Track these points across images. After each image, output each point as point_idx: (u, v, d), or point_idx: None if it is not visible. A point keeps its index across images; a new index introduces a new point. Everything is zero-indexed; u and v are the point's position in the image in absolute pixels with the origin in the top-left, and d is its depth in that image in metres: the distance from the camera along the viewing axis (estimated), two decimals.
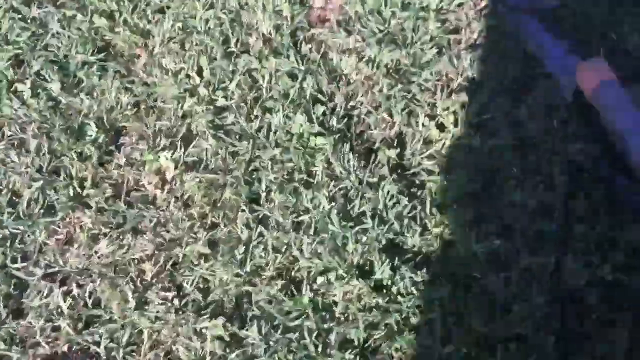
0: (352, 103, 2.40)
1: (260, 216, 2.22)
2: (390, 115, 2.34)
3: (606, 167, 2.07)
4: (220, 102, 2.44)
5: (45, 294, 2.12)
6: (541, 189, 2.13)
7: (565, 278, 1.97)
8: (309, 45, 2.52)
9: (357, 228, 2.12)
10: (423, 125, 2.31)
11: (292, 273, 2.13)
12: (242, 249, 2.15)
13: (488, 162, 2.21)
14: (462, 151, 2.23)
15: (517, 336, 1.90)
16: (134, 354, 2.06)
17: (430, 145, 2.28)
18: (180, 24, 2.58)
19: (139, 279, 2.16)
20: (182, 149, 2.35)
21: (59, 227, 2.24)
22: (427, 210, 2.13)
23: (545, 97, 2.30)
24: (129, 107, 2.47)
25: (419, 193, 2.19)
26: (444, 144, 2.27)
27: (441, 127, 2.31)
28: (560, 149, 2.19)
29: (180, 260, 2.18)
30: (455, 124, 2.29)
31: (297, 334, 1.99)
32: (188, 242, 2.19)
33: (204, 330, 2.04)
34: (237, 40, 2.55)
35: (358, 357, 1.93)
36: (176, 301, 2.11)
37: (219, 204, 2.25)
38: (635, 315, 1.90)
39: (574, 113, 2.22)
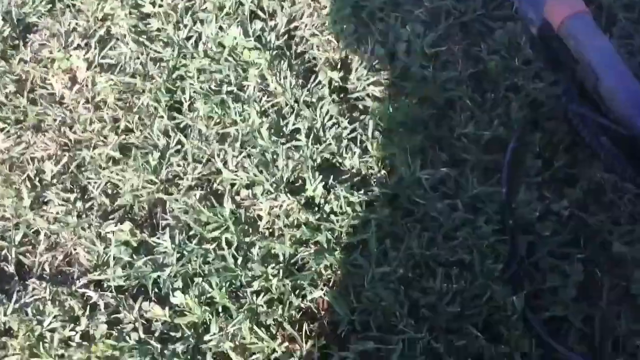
0: (295, 24, 2.40)
1: (181, 125, 2.20)
2: (337, 40, 2.34)
3: (570, 102, 2.11)
4: (147, 8, 2.43)
5: None
6: (497, 123, 2.15)
7: (517, 210, 1.98)
8: None
9: (289, 144, 2.12)
10: (372, 52, 2.31)
11: (214, 185, 2.10)
12: (157, 155, 2.11)
13: (440, 93, 2.22)
14: (413, 80, 2.24)
15: (460, 262, 1.90)
16: (28, 254, 2.00)
17: (378, 72, 2.29)
18: None
19: (38, 178, 2.11)
20: (98, 50, 2.32)
21: None
22: (370, 133, 2.13)
23: (509, 35, 2.33)
24: (43, 3, 2.44)
25: (361, 117, 2.19)
26: (393, 72, 2.28)
27: (391, 56, 2.32)
28: (521, 86, 2.22)
29: (86, 163, 2.14)
30: (408, 54, 2.31)
31: (214, 245, 1.95)
32: (96, 144, 2.16)
33: (108, 235, 1.99)
34: None
35: (282, 272, 1.90)
36: (79, 204, 2.07)
37: (134, 109, 2.22)
38: (591, 251, 1.93)
39: (539, 53, 2.27)
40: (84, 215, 2.06)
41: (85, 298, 1.94)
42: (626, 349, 1.78)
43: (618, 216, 1.98)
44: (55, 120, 2.21)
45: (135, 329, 1.86)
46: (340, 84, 2.26)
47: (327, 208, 2.00)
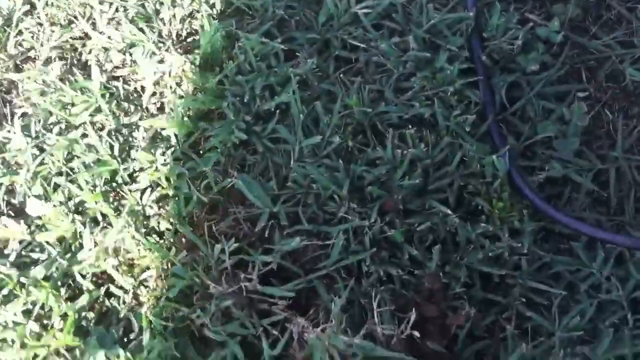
0: None
1: None
2: None
3: None
4: None
5: None
6: None
7: (491, 41, 1.57)
8: None
9: None
10: None
11: (80, 56, 1.69)
12: (0, 21, 1.70)
13: None
14: None
15: (418, 119, 1.50)
16: None
17: None
18: None
19: None
20: None
21: None
22: None
23: None
24: None
25: None
26: None
27: None
28: None
29: None
30: None
31: (83, 131, 1.55)
32: None
33: None
34: None
35: (172, 160, 1.49)
36: None
37: None
38: (597, 86, 1.53)
39: None
40: None
41: None
42: None
43: (629, 35, 1.58)
44: None
45: None
46: None
47: (231, 66, 1.57)
